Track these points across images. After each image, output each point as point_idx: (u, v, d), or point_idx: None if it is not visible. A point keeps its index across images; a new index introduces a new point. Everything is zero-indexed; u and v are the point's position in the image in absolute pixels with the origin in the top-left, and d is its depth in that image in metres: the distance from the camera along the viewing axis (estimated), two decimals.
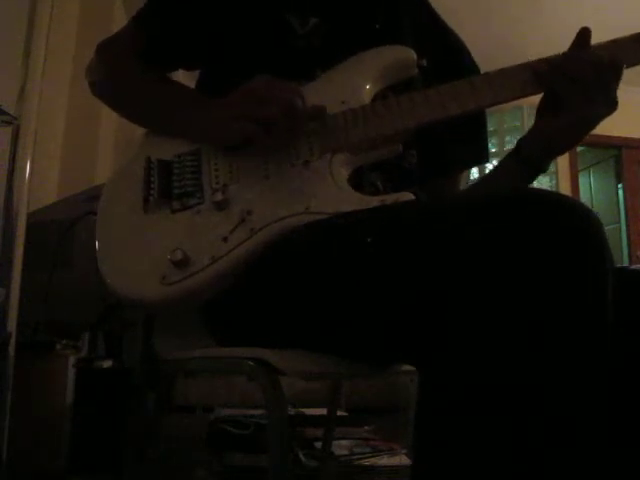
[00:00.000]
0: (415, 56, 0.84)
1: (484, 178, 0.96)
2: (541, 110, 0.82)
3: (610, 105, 0.77)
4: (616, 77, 0.76)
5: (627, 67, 0.77)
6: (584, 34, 0.78)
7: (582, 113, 0.77)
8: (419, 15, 0.99)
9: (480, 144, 1.00)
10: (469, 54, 1.02)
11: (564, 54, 0.78)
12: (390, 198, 0.69)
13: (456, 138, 0.94)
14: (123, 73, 0.90)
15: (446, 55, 0.98)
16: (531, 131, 0.83)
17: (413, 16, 0.98)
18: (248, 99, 0.74)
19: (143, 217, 0.75)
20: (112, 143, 2.92)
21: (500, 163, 0.90)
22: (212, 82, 0.93)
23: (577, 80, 0.75)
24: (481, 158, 1.01)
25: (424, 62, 0.87)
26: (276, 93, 0.72)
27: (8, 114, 1.21)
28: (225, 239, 0.70)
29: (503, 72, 0.78)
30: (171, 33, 0.89)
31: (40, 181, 1.99)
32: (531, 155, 0.83)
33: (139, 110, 0.89)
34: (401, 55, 0.84)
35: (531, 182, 0.86)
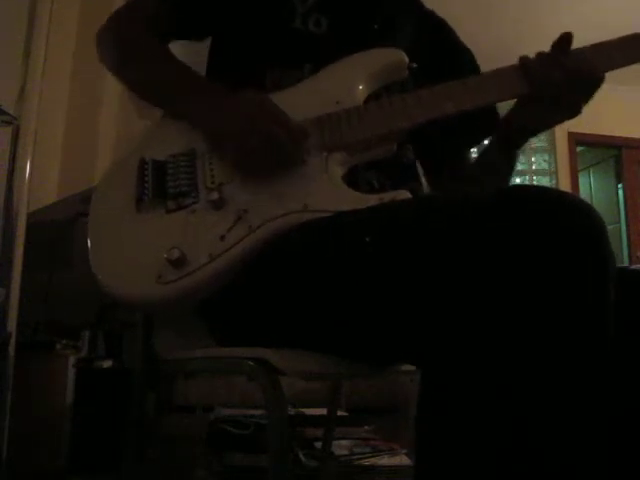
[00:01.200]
0: (406, 58, 0.85)
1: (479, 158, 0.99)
2: (518, 101, 0.87)
3: (575, 112, 0.81)
4: (590, 88, 0.79)
5: (608, 71, 0.79)
6: (565, 39, 0.80)
7: (549, 114, 0.83)
8: (415, 14, 1.01)
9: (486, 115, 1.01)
10: (471, 54, 1.03)
11: (547, 56, 0.80)
12: (387, 196, 0.69)
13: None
14: (132, 40, 0.90)
15: (444, 55, 1.00)
16: (508, 115, 0.89)
17: (410, 16, 0.99)
18: (240, 121, 0.74)
19: (136, 217, 0.75)
20: (112, 143, 2.92)
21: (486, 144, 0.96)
22: (219, 58, 0.94)
23: (552, 84, 0.78)
24: (490, 130, 1.01)
25: (414, 65, 0.89)
26: (261, 125, 0.73)
27: (8, 114, 1.21)
28: (222, 237, 0.70)
29: (496, 73, 0.80)
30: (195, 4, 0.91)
31: (40, 181, 1.99)
32: (508, 135, 0.90)
33: (147, 83, 0.88)
34: (393, 57, 0.86)
35: (513, 154, 0.93)
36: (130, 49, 0.89)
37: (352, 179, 0.78)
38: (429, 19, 1.04)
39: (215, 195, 0.72)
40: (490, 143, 0.95)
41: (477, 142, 1.05)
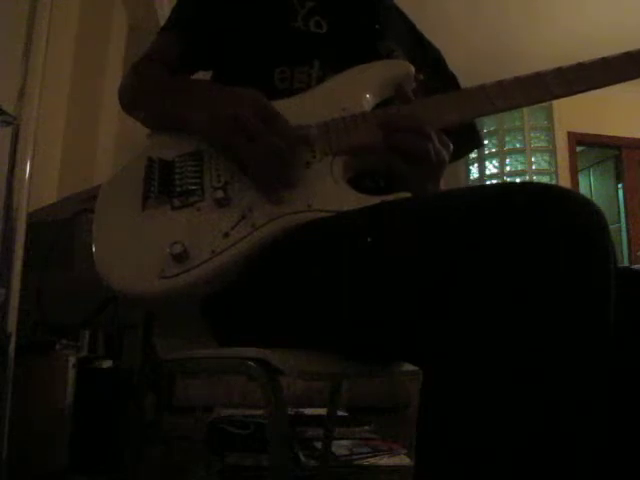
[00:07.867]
0: (414, 70, 0.86)
1: None
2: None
3: (440, 163, 0.76)
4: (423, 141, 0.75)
5: (439, 127, 0.76)
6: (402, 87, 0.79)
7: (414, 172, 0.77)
8: (401, 23, 1.03)
9: (470, 131, 1.01)
10: (445, 62, 1.06)
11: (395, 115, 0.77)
12: (389, 198, 0.70)
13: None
14: (147, 75, 0.93)
15: (428, 64, 1.01)
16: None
17: (396, 23, 1.01)
18: (237, 124, 0.73)
19: (142, 214, 0.75)
20: (112, 143, 2.92)
21: None
22: (223, 65, 0.96)
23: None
24: (475, 144, 1.04)
25: (421, 76, 0.89)
26: (264, 132, 0.72)
27: (8, 114, 1.21)
28: (226, 234, 0.71)
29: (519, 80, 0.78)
30: (199, 26, 0.93)
31: (40, 181, 1.99)
32: None
33: (157, 106, 0.89)
34: (401, 69, 0.87)
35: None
36: (139, 90, 0.92)
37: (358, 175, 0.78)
38: (410, 26, 1.06)
39: (220, 193, 0.73)
40: None
41: (459, 157, 1.04)
